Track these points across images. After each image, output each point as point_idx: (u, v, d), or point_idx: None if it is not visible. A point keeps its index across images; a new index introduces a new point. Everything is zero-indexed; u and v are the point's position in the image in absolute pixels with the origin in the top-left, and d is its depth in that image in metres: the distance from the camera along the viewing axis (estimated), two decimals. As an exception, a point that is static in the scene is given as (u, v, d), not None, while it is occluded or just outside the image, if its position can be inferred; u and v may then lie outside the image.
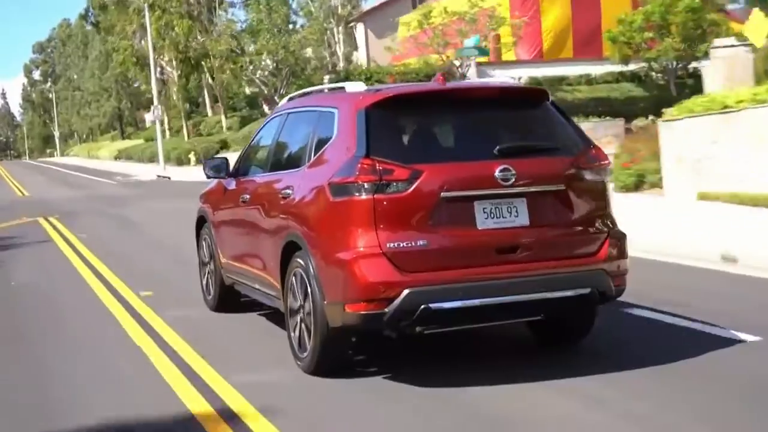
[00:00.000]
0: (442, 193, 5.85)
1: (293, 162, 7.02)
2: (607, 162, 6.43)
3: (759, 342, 6.70)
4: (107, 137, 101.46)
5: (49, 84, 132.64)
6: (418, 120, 6.41)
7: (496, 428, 5.26)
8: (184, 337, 7.67)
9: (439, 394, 5.89)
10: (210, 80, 56.03)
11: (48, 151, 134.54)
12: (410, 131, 6.39)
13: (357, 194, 5.86)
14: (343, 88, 6.88)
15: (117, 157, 69.87)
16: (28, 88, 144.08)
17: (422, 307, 5.75)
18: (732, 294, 8.72)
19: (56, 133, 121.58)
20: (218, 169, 8.41)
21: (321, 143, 6.53)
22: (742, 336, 6.82)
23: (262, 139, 8.24)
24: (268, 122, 8.21)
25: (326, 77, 37.76)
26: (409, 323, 5.87)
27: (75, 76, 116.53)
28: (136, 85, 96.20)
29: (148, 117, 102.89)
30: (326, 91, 7.45)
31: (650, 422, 5.21)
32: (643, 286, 7.89)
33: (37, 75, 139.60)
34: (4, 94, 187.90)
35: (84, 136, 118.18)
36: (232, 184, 8.32)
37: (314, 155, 6.55)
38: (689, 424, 5.14)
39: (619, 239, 6.33)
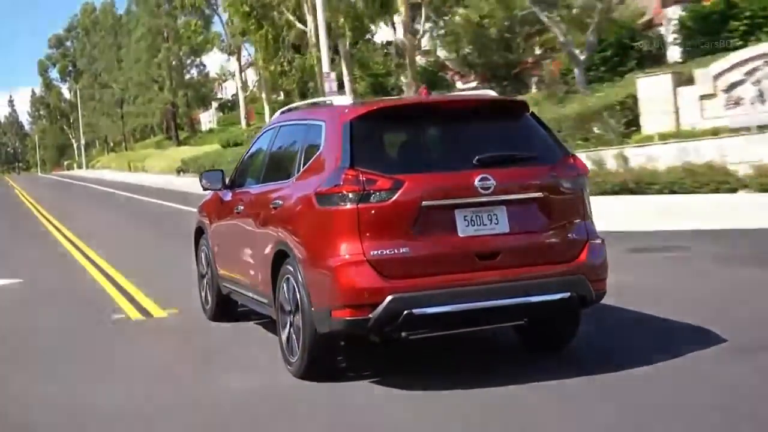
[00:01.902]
0: (423, 202, 6.06)
1: (283, 173, 7.24)
2: (585, 171, 6.62)
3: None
4: (148, 144, 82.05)
5: (67, 83, 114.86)
6: (401, 132, 6.65)
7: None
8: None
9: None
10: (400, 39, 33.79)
11: (65, 162, 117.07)
12: (394, 142, 6.62)
13: (341, 204, 6.07)
14: (331, 102, 7.12)
15: (181, 170, 50.73)
16: (43, 90, 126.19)
17: (405, 312, 5.95)
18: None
19: (81, 141, 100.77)
20: (214, 180, 8.67)
21: (309, 155, 6.75)
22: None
23: (256, 152, 8.48)
24: (262, 135, 8.45)
25: None
26: (393, 328, 6.07)
27: (102, 71, 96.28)
28: (192, 73, 74.93)
29: (205, 117, 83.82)
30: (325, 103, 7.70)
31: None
32: None
33: (54, 73, 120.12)
34: (11, 101, 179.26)
35: (111, 144, 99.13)
36: (227, 196, 8.56)
37: (302, 167, 6.78)
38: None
39: (597, 245, 6.51)
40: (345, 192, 6.05)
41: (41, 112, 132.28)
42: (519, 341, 7.29)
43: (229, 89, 78.14)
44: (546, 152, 6.55)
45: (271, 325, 7.70)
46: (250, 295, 7.83)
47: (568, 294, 6.28)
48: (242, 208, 7.94)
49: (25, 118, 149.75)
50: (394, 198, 6.03)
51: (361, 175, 6.05)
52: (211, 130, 73.40)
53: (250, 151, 8.64)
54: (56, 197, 40.65)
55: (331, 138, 6.46)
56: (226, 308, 8.98)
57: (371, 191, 6.03)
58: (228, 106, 77.56)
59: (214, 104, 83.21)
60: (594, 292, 6.41)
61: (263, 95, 36.01)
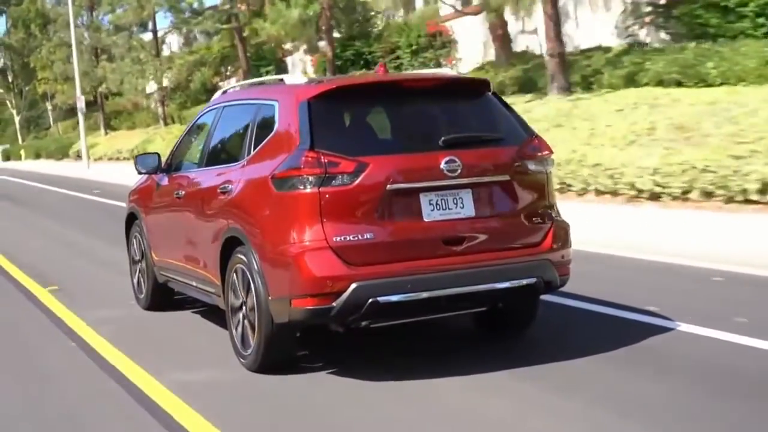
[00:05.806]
0: (388, 186, 5.80)
1: (231, 156, 6.88)
2: (549, 152, 6.45)
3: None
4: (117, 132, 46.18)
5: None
6: (361, 111, 6.34)
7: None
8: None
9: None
10: None
11: None
12: (354, 123, 6.32)
13: (302, 187, 5.76)
14: (281, 80, 6.78)
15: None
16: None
17: (370, 300, 5.69)
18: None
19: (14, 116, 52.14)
20: (149, 164, 8.23)
21: (261, 136, 6.40)
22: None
23: (195, 134, 8.09)
24: (200, 116, 8.05)
25: None
26: (357, 317, 5.81)
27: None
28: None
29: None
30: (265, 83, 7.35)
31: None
32: None
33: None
34: None
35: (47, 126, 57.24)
36: (164, 180, 8.14)
37: (254, 149, 6.42)
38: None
39: (562, 229, 6.36)
40: (305, 175, 5.74)
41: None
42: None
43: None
44: (510, 133, 6.35)
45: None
46: (194, 284, 7.44)
47: (534, 279, 6.11)
48: (183, 193, 7.54)
49: None
50: (358, 181, 5.75)
51: (322, 157, 5.75)
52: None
53: (187, 134, 8.23)
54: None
55: (287, 118, 6.12)
56: (161, 297, 8.57)
57: (334, 174, 5.73)
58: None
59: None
60: (559, 277, 6.26)
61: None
